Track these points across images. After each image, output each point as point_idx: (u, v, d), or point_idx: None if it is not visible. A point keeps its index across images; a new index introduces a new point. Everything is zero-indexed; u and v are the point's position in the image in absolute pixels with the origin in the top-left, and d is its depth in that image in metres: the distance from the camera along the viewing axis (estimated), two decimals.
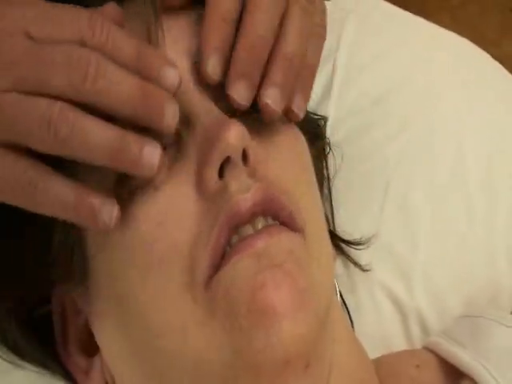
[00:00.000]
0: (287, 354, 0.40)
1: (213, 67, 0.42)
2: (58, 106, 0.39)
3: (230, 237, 0.41)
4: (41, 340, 0.52)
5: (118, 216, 0.41)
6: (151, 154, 0.40)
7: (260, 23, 0.42)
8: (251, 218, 0.41)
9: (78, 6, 0.41)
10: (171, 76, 0.41)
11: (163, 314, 0.42)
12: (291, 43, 0.43)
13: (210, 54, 0.42)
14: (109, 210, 0.40)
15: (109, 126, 0.39)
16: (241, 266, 0.40)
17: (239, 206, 0.41)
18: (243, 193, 0.41)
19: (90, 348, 0.49)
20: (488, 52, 0.73)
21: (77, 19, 0.40)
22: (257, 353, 0.39)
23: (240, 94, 0.42)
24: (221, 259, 0.41)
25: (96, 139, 0.39)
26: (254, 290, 0.40)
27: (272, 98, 0.42)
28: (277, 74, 0.43)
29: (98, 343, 0.48)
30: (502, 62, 0.73)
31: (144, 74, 0.40)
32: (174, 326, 0.41)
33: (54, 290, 0.50)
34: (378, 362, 0.52)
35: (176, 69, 0.41)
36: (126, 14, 0.44)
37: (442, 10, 1.36)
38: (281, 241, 0.41)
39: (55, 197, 0.40)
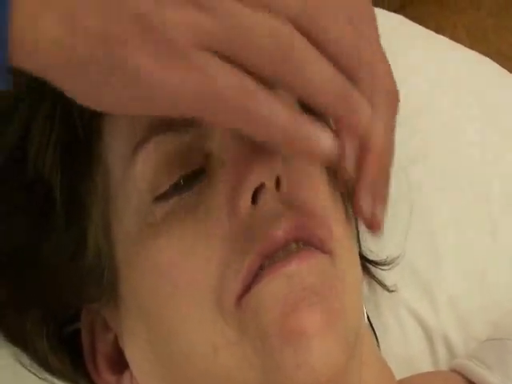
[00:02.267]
0: (318, 376, 0.40)
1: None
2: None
3: (262, 263, 0.41)
4: (71, 356, 0.52)
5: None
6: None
7: (384, 135, 0.37)
8: (284, 245, 0.41)
9: None
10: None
11: (193, 335, 0.42)
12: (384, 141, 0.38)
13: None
14: (328, 137, 0.36)
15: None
16: (272, 286, 0.41)
17: (273, 236, 0.41)
18: (277, 220, 0.41)
19: (120, 365, 0.49)
20: (505, 67, 0.73)
21: None
22: (288, 374, 0.40)
23: (368, 205, 0.37)
24: (252, 280, 0.41)
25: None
26: (285, 310, 0.40)
27: (367, 205, 0.38)
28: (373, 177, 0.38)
29: (127, 360, 0.48)
30: None
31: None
32: (205, 346, 0.42)
33: (83, 307, 0.51)
34: (406, 383, 0.52)
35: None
36: None
37: (458, 25, 1.36)
38: (311, 263, 0.41)
39: (273, 112, 0.35)
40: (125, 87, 0.35)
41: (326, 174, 0.47)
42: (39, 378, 0.52)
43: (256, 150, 0.41)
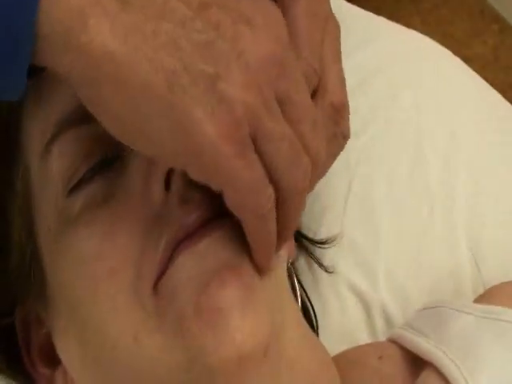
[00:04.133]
0: (240, 352, 0.39)
1: None
2: None
3: (177, 245, 0.41)
4: (6, 350, 0.52)
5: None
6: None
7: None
8: (197, 228, 0.41)
9: None
10: None
11: (116, 325, 0.42)
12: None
13: None
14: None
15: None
16: (184, 267, 0.40)
17: (185, 221, 0.41)
18: (187, 205, 0.41)
19: (54, 358, 0.49)
20: (458, 53, 0.74)
21: None
22: (210, 354, 0.39)
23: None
24: (167, 265, 0.41)
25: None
26: (198, 290, 0.40)
27: None
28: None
29: (59, 356, 0.48)
30: (472, 62, 0.74)
31: None
32: (127, 336, 0.41)
33: (16, 302, 0.50)
34: (341, 356, 0.52)
35: None
36: None
37: (413, 14, 1.37)
38: (223, 237, 0.41)
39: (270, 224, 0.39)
40: (171, 133, 0.35)
41: None
42: None
43: None
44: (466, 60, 0.73)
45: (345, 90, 0.43)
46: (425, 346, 0.49)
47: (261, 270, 0.41)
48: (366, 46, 0.68)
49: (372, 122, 0.64)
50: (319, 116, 0.40)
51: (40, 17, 0.33)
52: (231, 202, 0.37)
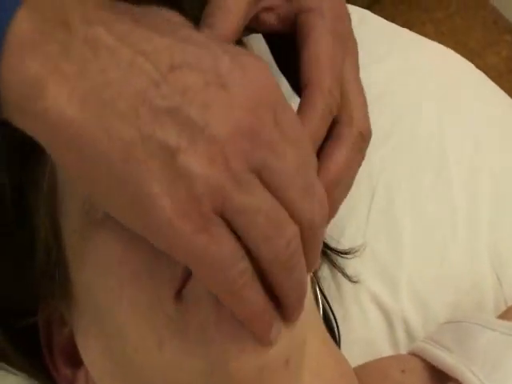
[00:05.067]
0: (260, 361, 0.39)
1: None
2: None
3: None
4: (29, 350, 0.52)
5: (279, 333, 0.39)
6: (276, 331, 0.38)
7: (342, 164, 0.41)
8: None
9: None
10: None
11: (138, 329, 0.42)
12: (343, 170, 0.41)
13: None
14: (278, 328, 0.38)
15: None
16: None
17: None
18: None
19: (76, 359, 0.49)
20: (472, 63, 0.74)
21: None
22: (230, 362, 0.39)
23: None
24: (191, 271, 0.40)
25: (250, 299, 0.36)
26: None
27: None
28: None
29: (81, 356, 0.48)
30: (485, 72, 0.74)
31: None
32: (149, 340, 0.41)
33: (41, 301, 0.51)
34: (363, 368, 0.52)
35: None
36: None
37: (426, 23, 1.37)
38: None
39: (248, 299, 0.36)
40: (129, 205, 0.34)
41: None
42: None
43: None
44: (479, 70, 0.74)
45: (368, 116, 0.43)
46: (448, 360, 0.49)
47: (261, 341, 0.39)
48: (390, 57, 0.68)
49: (395, 133, 0.64)
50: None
51: (1, 85, 0.33)
52: (198, 277, 0.36)
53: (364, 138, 0.42)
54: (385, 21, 0.75)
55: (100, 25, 0.33)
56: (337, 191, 0.40)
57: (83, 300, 0.46)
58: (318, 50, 0.41)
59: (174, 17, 0.37)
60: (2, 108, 0.34)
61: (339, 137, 0.41)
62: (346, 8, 0.45)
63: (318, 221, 0.36)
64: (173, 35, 0.35)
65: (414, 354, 0.53)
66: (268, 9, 0.44)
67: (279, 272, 0.35)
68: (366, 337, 0.58)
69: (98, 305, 0.44)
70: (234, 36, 0.41)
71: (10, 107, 0.33)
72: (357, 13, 0.73)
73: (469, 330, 0.51)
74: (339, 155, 0.41)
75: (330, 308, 0.56)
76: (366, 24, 0.71)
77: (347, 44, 0.43)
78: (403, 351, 0.57)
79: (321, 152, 0.41)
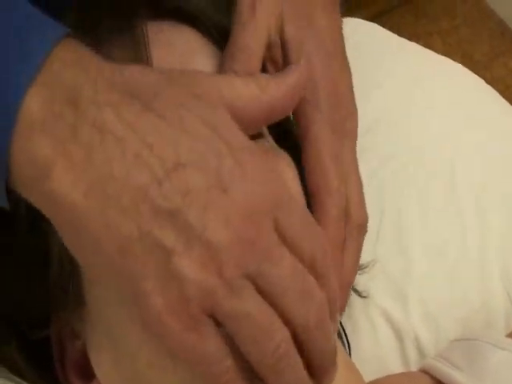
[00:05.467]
0: None
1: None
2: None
3: None
4: (40, 362, 0.52)
5: None
6: None
7: (352, 267, 0.46)
8: None
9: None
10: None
11: (152, 343, 0.41)
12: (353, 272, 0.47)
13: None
14: None
15: None
16: None
17: None
18: None
19: (89, 371, 0.49)
20: (478, 75, 0.74)
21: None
22: None
23: None
24: None
25: None
26: None
27: None
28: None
29: (94, 370, 0.48)
30: (492, 85, 0.74)
31: None
32: (164, 355, 0.40)
33: (53, 314, 0.51)
34: None
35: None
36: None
37: (433, 34, 1.37)
38: None
39: None
40: (122, 292, 0.35)
41: None
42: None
43: None
44: (486, 82, 0.74)
45: (363, 200, 0.46)
46: (459, 379, 0.49)
47: None
48: (396, 72, 0.68)
49: (404, 149, 0.64)
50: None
51: (10, 161, 0.34)
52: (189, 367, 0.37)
53: (362, 228, 0.46)
54: (391, 33, 0.75)
55: (109, 108, 0.34)
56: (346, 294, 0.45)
57: (96, 313, 0.46)
58: (320, 152, 0.44)
59: (186, 94, 0.37)
60: (9, 180, 0.35)
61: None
62: (347, 91, 0.46)
63: (313, 324, 0.36)
64: (180, 125, 0.35)
65: (424, 371, 0.53)
66: (274, 61, 0.46)
67: (268, 374, 0.36)
68: (376, 353, 0.58)
69: (109, 320, 0.44)
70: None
71: (17, 182, 0.35)
72: (365, 25, 0.73)
73: (479, 348, 0.51)
74: (347, 261, 0.45)
75: (341, 324, 0.56)
76: (372, 37, 0.71)
77: (344, 129, 0.45)
78: (414, 368, 0.57)
79: None
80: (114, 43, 0.45)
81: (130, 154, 0.34)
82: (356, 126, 0.46)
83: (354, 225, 0.44)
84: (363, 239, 0.46)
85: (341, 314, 0.43)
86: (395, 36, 0.75)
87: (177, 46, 0.46)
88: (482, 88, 0.72)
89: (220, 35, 0.47)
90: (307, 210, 0.40)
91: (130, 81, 0.36)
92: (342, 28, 0.49)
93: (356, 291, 0.58)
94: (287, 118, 0.51)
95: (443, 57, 0.74)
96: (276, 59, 0.45)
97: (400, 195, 0.62)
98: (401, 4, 1.45)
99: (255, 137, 0.45)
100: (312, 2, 0.47)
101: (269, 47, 0.44)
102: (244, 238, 0.34)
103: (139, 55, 0.44)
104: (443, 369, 0.51)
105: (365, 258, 0.58)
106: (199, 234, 0.33)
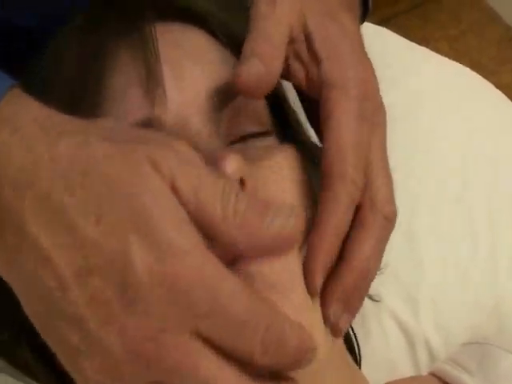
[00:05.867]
0: None
1: (318, 285, 0.40)
2: None
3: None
4: (52, 364, 0.52)
5: None
6: None
7: (370, 254, 0.41)
8: None
9: None
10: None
11: None
12: (371, 260, 0.41)
13: (317, 277, 0.39)
14: None
15: None
16: None
17: None
18: None
19: None
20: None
21: (254, 330, 0.34)
22: None
23: (337, 315, 0.41)
24: None
25: None
26: None
27: (335, 315, 0.41)
28: (347, 290, 0.40)
29: None
30: (499, 90, 0.74)
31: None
32: None
33: None
34: None
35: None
36: (118, 49, 0.45)
37: (441, 40, 1.38)
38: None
39: None
40: None
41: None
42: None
43: (221, 153, 0.41)
44: None
45: (393, 196, 0.43)
46: (469, 383, 0.49)
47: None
48: (409, 78, 0.69)
49: (416, 153, 0.64)
50: None
51: None
52: None
53: (389, 222, 0.42)
54: (402, 38, 0.76)
55: (30, 215, 0.34)
56: (363, 283, 0.41)
57: None
58: (341, 136, 0.41)
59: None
60: None
61: (363, 225, 0.41)
62: (374, 82, 0.44)
63: None
64: (93, 228, 0.33)
65: (434, 375, 0.53)
66: (297, 57, 0.44)
67: None
68: (386, 357, 0.58)
69: None
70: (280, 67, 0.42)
71: None
72: (373, 29, 0.73)
73: (490, 352, 0.51)
74: (364, 250, 0.40)
75: (351, 328, 0.56)
76: (381, 40, 0.71)
77: (374, 121, 0.42)
78: (424, 372, 0.57)
79: (346, 243, 0.40)
80: (120, 43, 0.45)
81: (40, 257, 0.34)
82: (385, 121, 0.44)
83: (379, 215, 0.41)
84: (389, 235, 0.42)
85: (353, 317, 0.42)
86: (404, 39, 0.75)
87: (185, 47, 0.46)
88: (491, 92, 0.72)
89: (227, 36, 0.47)
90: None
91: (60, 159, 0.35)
92: (360, 28, 0.47)
93: (368, 295, 0.58)
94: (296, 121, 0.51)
95: (452, 61, 0.74)
96: (300, 54, 0.43)
97: (412, 199, 0.62)
98: (407, 9, 1.46)
99: (260, 134, 0.45)
100: (331, 1, 0.46)
101: (291, 42, 0.43)
102: (142, 356, 0.33)
103: (148, 55, 0.44)
104: (453, 372, 0.51)
105: None
106: (100, 343, 0.33)
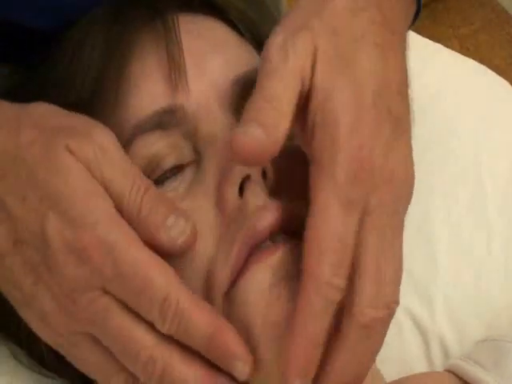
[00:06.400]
0: None
1: None
2: None
3: (250, 254, 0.41)
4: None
5: None
6: None
7: (344, 365, 0.37)
8: (270, 235, 0.41)
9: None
10: (240, 370, 0.39)
11: None
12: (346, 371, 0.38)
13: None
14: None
15: None
16: (256, 277, 0.40)
17: (259, 226, 0.40)
18: (262, 211, 0.41)
19: None
20: None
21: (150, 299, 0.38)
22: (269, 364, 0.40)
23: None
24: (239, 270, 0.41)
25: None
26: (269, 302, 0.40)
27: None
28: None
29: None
30: None
31: (213, 358, 0.39)
32: None
33: None
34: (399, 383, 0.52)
35: (245, 362, 0.39)
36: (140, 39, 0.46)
37: (451, 38, 1.38)
38: (296, 251, 0.39)
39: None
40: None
41: None
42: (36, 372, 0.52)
43: None
44: None
45: (387, 294, 0.37)
46: (486, 379, 0.49)
47: None
48: (426, 73, 0.68)
49: (430, 151, 0.64)
50: None
51: None
52: None
53: (370, 329, 0.36)
54: (420, 36, 0.75)
55: None
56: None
57: None
58: (320, 228, 0.36)
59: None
60: None
61: (339, 334, 0.37)
62: (377, 150, 0.37)
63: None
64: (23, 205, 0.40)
65: (449, 371, 0.53)
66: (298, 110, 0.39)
67: None
68: (401, 353, 0.58)
69: None
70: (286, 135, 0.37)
71: None
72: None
73: (505, 349, 0.51)
74: (339, 360, 0.37)
75: None
76: None
77: (368, 204, 0.37)
78: (439, 368, 0.57)
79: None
80: (143, 33, 0.46)
81: None
82: (390, 202, 0.38)
83: (355, 324, 0.36)
84: (376, 341, 0.37)
85: None
86: (419, 36, 0.75)
87: (206, 37, 0.47)
88: (507, 88, 0.72)
89: (247, 27, 0.48)
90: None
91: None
92: (402, 66, 0.41)
93: None
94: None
95: (468, 58, 0.74)
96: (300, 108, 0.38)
97: (426, 195, 0.62)
98: None
99: None
100: (360, 33, 0.39)
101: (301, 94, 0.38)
102: (65, 309, 0.40)
103: (170, 44, 0.45)
104: (469, 368, 0.51)
105: None
106: (34, 298, 0.40)
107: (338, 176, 0.36)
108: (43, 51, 0.49)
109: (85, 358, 0.42)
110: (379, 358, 0.54)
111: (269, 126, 0.36)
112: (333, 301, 0.36)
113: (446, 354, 0.58)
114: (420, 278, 0.59)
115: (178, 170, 0.44)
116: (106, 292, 0.39)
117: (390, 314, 0.38)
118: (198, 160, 0.44)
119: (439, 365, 0.58)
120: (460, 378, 0.52)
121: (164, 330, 0.39)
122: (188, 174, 0.44)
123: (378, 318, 0.37)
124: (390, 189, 0.38)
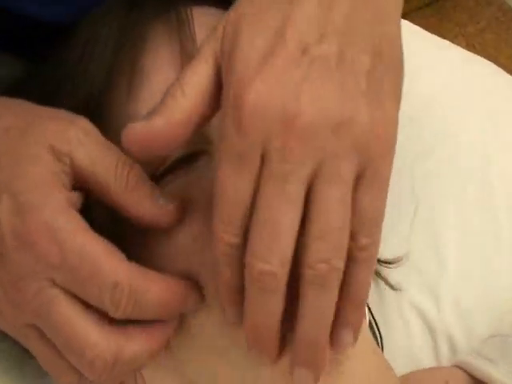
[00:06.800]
0: None
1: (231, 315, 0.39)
2: None
3: None
4: None
5: None
6: None
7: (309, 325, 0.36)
8: None
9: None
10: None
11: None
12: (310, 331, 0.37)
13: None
14: None
15: None
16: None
17: None
18: None
19: None
20: None
21: (99, 286, 0.37)
22: None
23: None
24: None
25: None
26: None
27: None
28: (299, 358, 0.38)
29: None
30: None
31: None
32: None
33: None
34: (407, 379, 0.52)
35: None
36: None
37: (458, 36, 1.37)
38: None
39: None
40: None
41: None
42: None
43: None
44: None
45: (278, 252, 0.35)
46: (495, 374, 0.49)
47: None
48: (431, 70, 0.69)
49: (438, 146, 0.64)
50: None
51: None
52: None
53: (261, 280, 0.35)
54: (428, 33, 0.75)
55: None
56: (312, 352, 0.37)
57: None
58: (214, 187, 0.36)
59: None
60: None
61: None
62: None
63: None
64: None
65: (457, 366, 0.53)
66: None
67: None
68: (408, 347, 0.58)
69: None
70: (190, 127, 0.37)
71: None
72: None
73: None
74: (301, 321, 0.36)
75: (374, 318, 0.56)
76: (411, 33, 0.71)
77: (269, 150, 0.34)
78: (446, 363, 0.57)
79: None
80: (156, 25, 0.46)
81: None
82: (289, 150, 0.34)
83: (248, 276, 0.35)
84: (274, 300, 0.36)
85: None
86: (427, 32, 0.75)
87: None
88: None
89: None
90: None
91: None
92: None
93: (389, 284, 0.58)
94: None
95: (476, 55, 0.74)
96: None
97: (434, 191, 0.62)
98: (423, 6, 1.45)
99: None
100: None
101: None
102: (13, 300, 0.38)
103: (183, 37, 0.45)
104: (478, 363, 0.51)
105: (397, 252, 0.59)
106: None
107: (226, 130, 0.35)
108: (51, 43, 0.49)
109: (36, 354, 0.41)
110: (387, 350, 0.55)
111: (164, 112, 0.36)
112: (228, 254, 0.36)
113: (454, 351, 0.58)
114: (429, 275, 0.60)
115: (188, 158, 0.44)
116: (56, 284, 0.38)
117: (330, 270, 0.34)
118: (208, 148, 0.44)
119: (446, 359, 0.58)
120: (468, 373, 0.52)
121: (117, 315, 0.38)
122: (199, 162, 0.44)
123: (270, 271, 0.34)
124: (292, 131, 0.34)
